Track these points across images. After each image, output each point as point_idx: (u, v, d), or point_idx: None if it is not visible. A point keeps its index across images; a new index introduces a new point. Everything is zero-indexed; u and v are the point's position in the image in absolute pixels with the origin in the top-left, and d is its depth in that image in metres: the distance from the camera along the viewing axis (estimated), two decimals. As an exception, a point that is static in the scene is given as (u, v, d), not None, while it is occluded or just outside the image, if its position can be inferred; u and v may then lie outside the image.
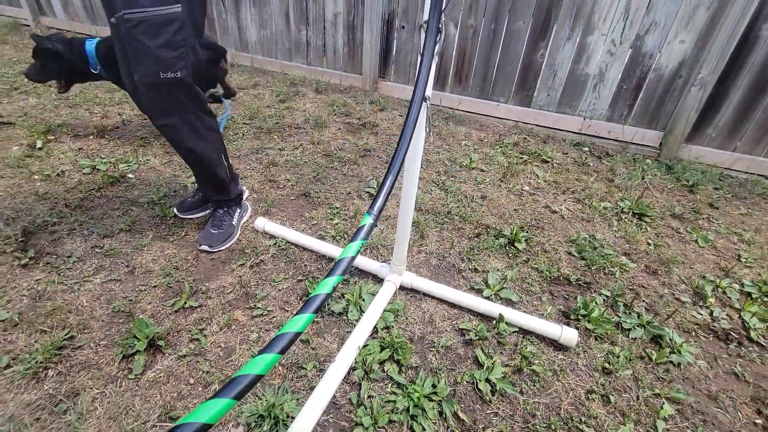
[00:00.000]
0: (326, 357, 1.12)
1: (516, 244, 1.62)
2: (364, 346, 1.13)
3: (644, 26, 2.30)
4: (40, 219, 1.54)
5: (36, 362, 1.02)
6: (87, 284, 1.29)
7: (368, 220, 0.89)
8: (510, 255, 1.59)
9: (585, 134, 2.67)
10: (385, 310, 1.26)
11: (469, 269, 1.51)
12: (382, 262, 1.45)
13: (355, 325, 1.18)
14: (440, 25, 0.95)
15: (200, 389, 1.01)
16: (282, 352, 0.65)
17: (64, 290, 1.25)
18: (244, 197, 1.69)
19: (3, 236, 1.43)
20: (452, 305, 1.34)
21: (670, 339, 1.24)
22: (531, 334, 1.24)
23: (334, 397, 1.02)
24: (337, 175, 2.07)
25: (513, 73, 2.76)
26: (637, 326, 1.29)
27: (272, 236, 1.57)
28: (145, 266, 1.38)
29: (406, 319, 1.27)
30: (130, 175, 1.90)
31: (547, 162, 2.35)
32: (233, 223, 1.57)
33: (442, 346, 1.18)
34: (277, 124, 2.55)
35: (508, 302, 1.36)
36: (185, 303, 1.24)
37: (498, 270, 1.50)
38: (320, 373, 1.07)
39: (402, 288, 1.39)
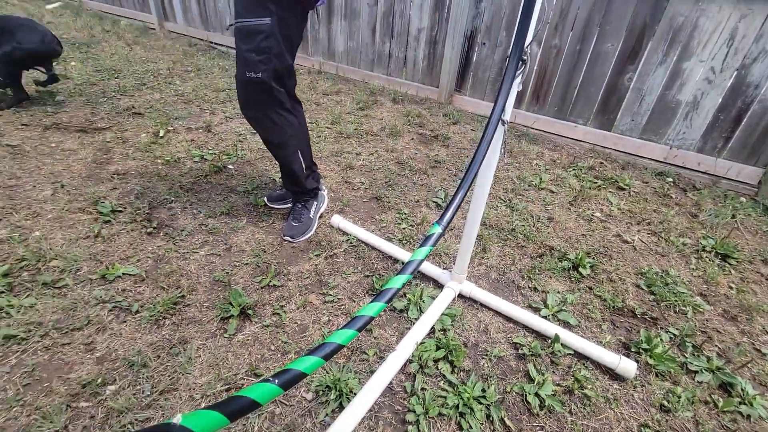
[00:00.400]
0: (386, 347, 1.24)
1: (580, 269, 1.62)
2: (421, 342, 1.23)
3: (751, 54, 2.13)
4: (162, 196, 1.86)
5: (157, 312, 1.26)
6: (194, 255, 1.54)
7: (437, 230, 1.00)
8: (572, 279, 1.59)
9: (670, 164, 2.52)
10: (443, 314, 1.35)
11: (529, 287, 1.54)
12: (443, 269, 1.54)
13: (414, 323, 1.29)
14: (524, 57, 1.03)
15: (279, 355, 1.18)
16: (359, 329, 0.78)
17: (177, 257, 1.52)
18: (324, 198, 1.88)
19: (135, 208, 1.76)
20: (508, 319, 1.39)
21: (741, 389, 1.18)
22: (586, 359, 1.25)
23: (391, 383, 1.13)
24: (407, 182, 2.19)
25: (595, 95, 2.70)
26: (706, 370, 1.24)
27: (345, 233, 1.74)
28: (239, 246, 1.61)
29: (462, 325, 1.35)
30: (230, 166, 2.19)
31: (623, 189, 2.27)
32: (310, 216, 1.75)
33: (494, 356, 1.24)
34: (356, 130, 2.75)
35: (566, 324, 1.38)
36: (270, 281, 1.44)
37: (558, 292, 1.51)
38: (380, 360, 1.19)
39: (461, 296, 1.47)
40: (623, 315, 1.45)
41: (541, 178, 2.31)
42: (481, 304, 1.44)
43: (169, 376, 1.08)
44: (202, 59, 4.21)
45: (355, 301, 1.40)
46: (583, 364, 1.24)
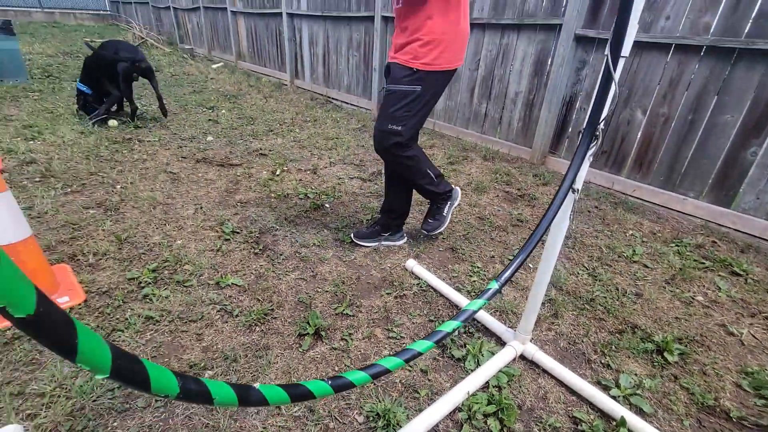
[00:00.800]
0: (438, 391, 1.29)
1: (666, 353, 1.48)
2: (473, 394, 1.26)
3: None
4: (269, 224, 2.22)
5: (251, 318, 1.51)
6: (287, 277, 1.80)
7: (494, 286, 1.08)
8: (655, 364, 1.45)
9: (807, 253, 2.15)
10: (500, 371, 1.36)
11: (601, 363, 1.46)
12: (508, 326, 1.55)
13: (469, 373, 1.32)
14: (597, 133, 1.09)
15: (335, 358, 1.31)
16: (406, 360, 0.89)
17: (273, 277, 1.79)
18: (456, 188, 2.14)
19: (248, 231, 2.13)
20: (571, 391, 1.33)
21: None
22: (657, 454, 1.13)
23: (437, 426, 1.17)
24: (485, 237, 2.25)
25: (710, 167, 2.48)
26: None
27: (417, 277, 1.86)
28: (323, 275, 1.84)
29: (520, 386, 1.33)
30: (327, 205, 2.51)
31: (738, 275, 2.00)
32: (444, 214, 2.08)
33: (549, 425, 1.20)
34: (443, 183, 2.92)
35: (639, 411, 1.27)
36: (344, 310, 1.61)
37: (635, 374, 1.40)
38: (430, 401, 1.24)
39: (522, 358, 1.45)
40: (714, 415, 1.27)
41: (634, 251, 2.16)
42: (543, 370, 1.40)
43: (251, 373, 1.29)
44: (319, 111, 4.91)
45: (415, 342, 1.49)
46: (654, 459, 1.12)
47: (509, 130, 3.63)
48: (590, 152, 1.12)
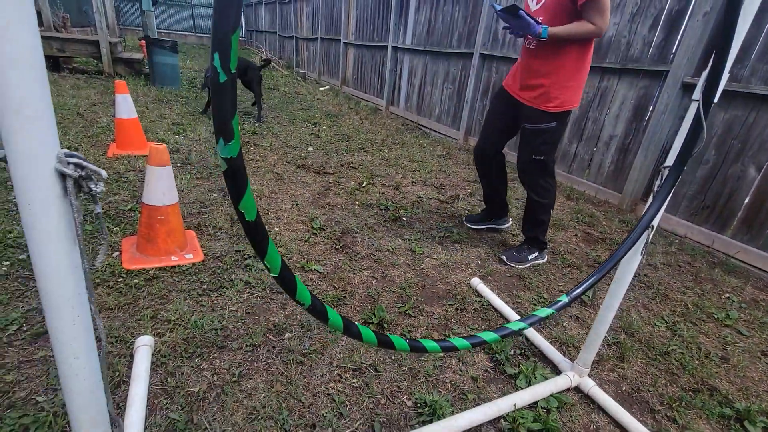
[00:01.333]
0: (485, 399, 1.35)
1: (746, 424, 1.35)
2: (520, 408, 1.30)
3: None
4: (351, 227, 2.47)
5: (326, 300, 1.73)
6: (360, 273, 2.00)
7: (564, 299, 1.15)
8: (731, 430, 1.34)
9: None
10: (552, 395, 1.37)
11: (666, 416, 1.38)
12: (567, 358, 1.55)
13: (519, 389, 1.36)
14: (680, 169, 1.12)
15: (396, 365, 1.44)
16: (473, 345, 1.00)
17: (348, 271, 2.01)
18: (544, 256, 2.33)
19: (332, 230, 2.40)
20: (626, 433, 1.29)
21: None
22: None
23: (479, 427, 1.24)
24: (556, 272, 2.23)
25: (838, 238, 2.17)
26: None
27: (480, 295, 1.93)
28: (392, 277, 2.01)
29: (570, 415, 1.33)
30: (404, 218, 2.70)
31: None
32: (528, 257, 2.25)
33: (596, 458, 1.19)
34: (520, 215, 2.94)
35: (703, 472, 1.19)
36: (406, 310, 1.75)
37: (705, 436, 1.30)
38: (475, 405, 1.31)
39: (578, 391, 1.44)
40: (800, 501, 1.14)
41: (728, 314, 1.97)
42: (598, 406, 1.38)
43: (320, 342, 1.48)
44: (408, 136, 5.23)
45: (470, 353, 1.56)
46: None
47: (599, 173, 3.51)
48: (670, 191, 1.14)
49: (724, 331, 1.87)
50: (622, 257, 1.16)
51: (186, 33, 17.63)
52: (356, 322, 0.80)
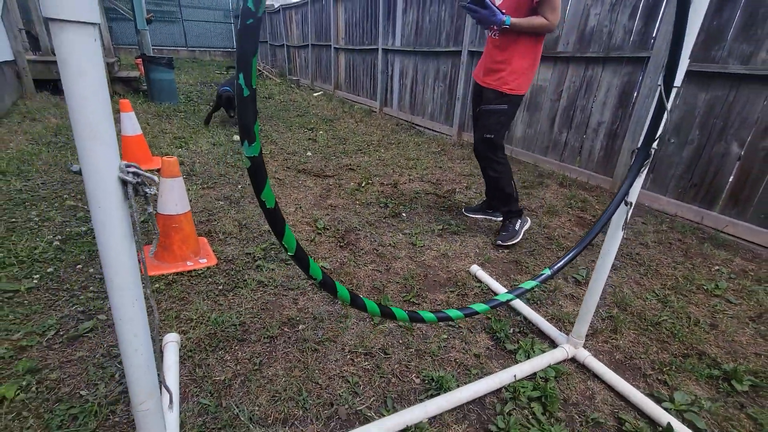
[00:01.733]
0: (488, 373, 1.46)
1: (734, 382, 1.45)
2: (520, 380, 1.40)
3: None
4: (353, 225, 2.58)
5: (335, 294, 1.84)
6: (365, 267, 2.11)
7: (547, 272, 1.26)
8: (719, 389, 1.44)
9: None
10: (549, 366, 1.48)
11: (657, 379, 1.49)
12: (561, 332, 1.65)
13: (519, 363, 1.47)
14: (650, 151, 1.23)
15: (404, 348, 1.55)
16: (466, 315, 1.11)
17: (354, 266, 2.12)
18: (527, 221, 2.55)
19: (336, 229, 2.51)
20: (620, 396, 1.39)
21: None
22: (703, 462, 1.16)
23: (483, 398, 1.34)
24: (551, 255, 2.34)
25: (819, 206, 2.27)
26: None
27: (479, 281, 2.04)
28: (395, 270, 2.11)
29: (567, 383, 1.44)
30: (403, 214, 2.81)
31: None
32: (516, 228, 2.44)
33: (592, 419, 1.30)
34: (515, 204, 3.05)
35: (691, 425, 1.29)
36: (410, 298, 1.86)
37: (693, 395, 1.41)
38: (478, 378, 1.41)
39: (574, 361, 1.55)
40: (780, 445, 1.24)
41: (717, 285, 2.08)
42: (594, 374, 1.48)
43: (332, 332, 1.60)
44: (403, 135, 5.34)
45: (472, 333, 1.67)
46: (698, 466, 1.15)
47: (589, 160, 3.62)
48: (643, 170, 1.25)
49: (714, 300, 1.98)
50: (599, 232, 1.27)
51: (178, 48, 17.80)
52: (361, 296, 0.92)
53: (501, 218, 2.73)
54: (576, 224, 2.78)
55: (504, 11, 2.07)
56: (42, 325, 1.47)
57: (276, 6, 12.67)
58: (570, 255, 1.29)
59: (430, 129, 5.72)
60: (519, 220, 2.47)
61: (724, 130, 2.68)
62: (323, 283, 0.82)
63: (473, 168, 3.98)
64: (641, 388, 1.44)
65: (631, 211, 1.32)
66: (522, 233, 2.44)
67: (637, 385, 1.45)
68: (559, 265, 1.28)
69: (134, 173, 0.56)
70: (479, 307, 1.15)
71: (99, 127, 0.52)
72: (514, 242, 2.39)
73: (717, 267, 2.28)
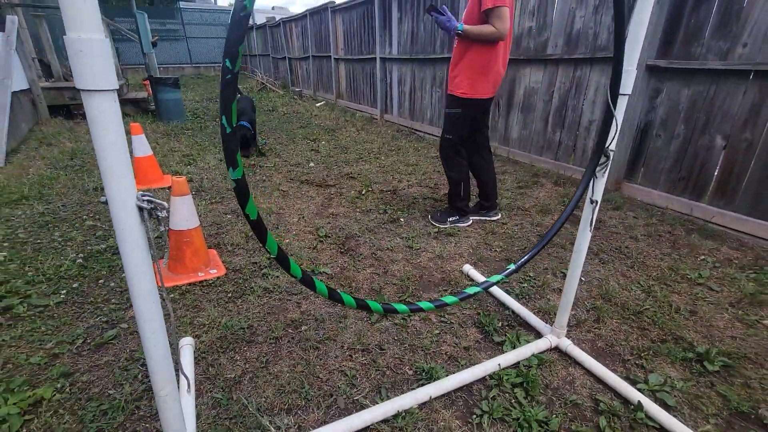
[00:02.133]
0: (475, 363, 1.58)
1: (706, 363, 1.55)
2: (505, 368, 1.52)
3: None
4: (353, 232, 2.72)
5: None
6: (364, 271, 2.25)
7: (512, 267, 1.38)
8: (692, 371, 1.54)
9: None
10: (533, 355, 1.59)
11: (635, 364, 1.59)
12: (546, 323, 1.77)
13: (504, 353, 1.59)
14: (608, 153, 1.34)
15: (398, 344, 1.68)
16: (437, 306, 1.24)
17: (353, 270, 2.26)
18: (467, 221, 2.84)
19: (337, 236, 2.66)
20: (598, 381, 1.50)
21: None
22: (670, 435, 1.27)
23: (471, 385, 1.46)
24: (542, 252, 2.45)
25: (800, 194, 2.34)
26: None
27: (471, 279, 2.16)
28: (393, 272, 2.25)
29: (550, 370, 1.55)
30: (401, 220, 2.95)
31: (823, 305, 1.90)
32: (448, 219, 2.79)
33: (571, 401, 1.41)
34: (509, 205, 3.16)
35: (663, 404, 1.39)
36: (406, 298, 1.99)
37: (668, 376, 1.51)
38: (465, 368, 1.53)
39: (557, 350, 1.66)
40: (747, 420, 1.34)
41: (700, 274, 2.17)
42: (575, 361, 1.59)
43: (333, 331, 1.73)
44: (403, 141, 5.48)
45: (462, 327, 1.79)
46: (666, 440, 1.26)
47: (583, 158, 3.71)
48: (605, 170, 1.37)
49: (696, 288, 2.07)
50: (559, 229, 1.40)
51: (183, 65, 18.27)
52: (338, 290, 1.06)
53: (496, 218, 2.87)
54: (568, 221, 2.88)
55: (462, 19, 2.37)
56: (71, 335, 1.64)
57: (277, 19, 12.98)
58: (532, 252, 1.42)
59: (429, 134, 5.85)
60: (457, 217, 2.80)
61: (707, 124, 2.76)
62: (303, 280, 0.96)
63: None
64: (619, 372, 1.55)
65: (597, 209, 1.44)
66: (449, 226, 2.78)
67: (615, 369, 1.56)
68: (522, 260, 1.40)
69: (148, 200, 0.70)
70: (449, 299, 1.28)
71: (120, 168, 0.67)
72: (440, 226, 2.77)
73: (702, 257, 2.37)
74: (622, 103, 1.32)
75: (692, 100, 2.83)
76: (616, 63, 1.24)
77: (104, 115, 0.64)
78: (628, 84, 1.29)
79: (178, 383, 0.94)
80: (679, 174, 2.98)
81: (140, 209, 0.71)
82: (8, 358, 1.52)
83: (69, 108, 6.64)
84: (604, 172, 1.38)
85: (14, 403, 1.27)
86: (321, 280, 2.11)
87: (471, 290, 1.33)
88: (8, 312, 1.78)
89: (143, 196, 0.71)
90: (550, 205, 3.12)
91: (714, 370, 1.52)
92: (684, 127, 2.91)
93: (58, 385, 1.39)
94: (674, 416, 1.32)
